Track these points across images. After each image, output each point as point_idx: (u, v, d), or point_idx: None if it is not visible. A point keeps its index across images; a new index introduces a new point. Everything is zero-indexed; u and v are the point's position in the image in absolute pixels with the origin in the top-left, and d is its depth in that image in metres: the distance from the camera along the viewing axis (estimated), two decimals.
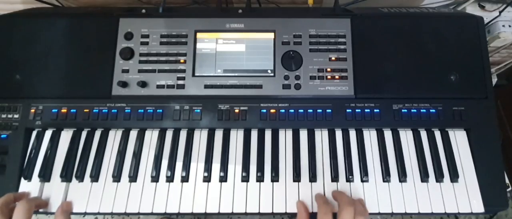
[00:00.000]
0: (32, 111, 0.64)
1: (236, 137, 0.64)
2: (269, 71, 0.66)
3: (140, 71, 0.66)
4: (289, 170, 0.62)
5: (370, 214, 0.58)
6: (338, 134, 0.65)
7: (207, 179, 0.61)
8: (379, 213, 0.59)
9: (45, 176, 0.61)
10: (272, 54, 0.67)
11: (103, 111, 0.64)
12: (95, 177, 0.61)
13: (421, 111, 0.64)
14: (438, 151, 0.63)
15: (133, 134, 0.65)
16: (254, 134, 0.64)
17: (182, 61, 0.67)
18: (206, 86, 0.66)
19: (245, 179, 0.61)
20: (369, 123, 0.64)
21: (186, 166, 0.62)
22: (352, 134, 0.65)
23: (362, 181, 0.61)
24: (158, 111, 0.64)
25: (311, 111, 0.64)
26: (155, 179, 0.61)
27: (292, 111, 0.64)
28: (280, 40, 0.67)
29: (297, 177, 0.61)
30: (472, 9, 0.80)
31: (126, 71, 0.66)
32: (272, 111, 0.65)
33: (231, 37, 0.68)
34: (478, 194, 0.60)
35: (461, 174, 0.61)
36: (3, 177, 0.61)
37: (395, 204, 0.59)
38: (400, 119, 0.64)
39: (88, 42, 0.67)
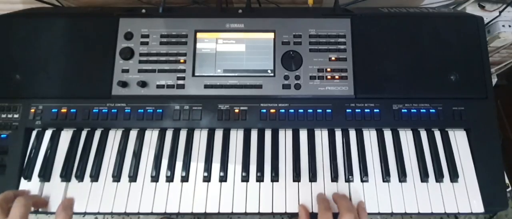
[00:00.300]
0: (32, 110, 0.64)
1: (236, 137, 0.64)
2: (269, 71, 0.66)
3: (140, 71, 0.66)
4: (289, 170, 0.62)
5: (370, 214, 0.58)
6: (338, 134, 0.65)
7: (207, 179, 0.61)
8: (379, 213, 0.59)
9: (45, 176, 0.61)
10: (272, 54, 0.67)
11: (103, 110, 0.64)
12: (95, 177, 0.61)
13: (421, 111, 0.64)
14: (438, 151, 0.63)
15: (133, 134, 0.65)
16: (254, 134, 0.64)
17: (182, 61, 0.67)
18: (206, 86, 0.66)
19: (245, 179, 0.61)
20: (369, 123, 0.64)
21: (186, 166, 0.62)
22: (352, 134, 0.65)
23: (362, 181, 0.61)
24: (158, 110, 0.64)
25: (311, 111, 0.64)
26: (155, 179, 0.61)
27: (292, 110, 0.64)
28: (280, 40, 0.67)
29: (297, 177, 0.61)
30: (472, 9, 0.80)
31: (126, 71, 0.66)
32: (272, 110, 0.65)
33: (231, 37, 0.68)
34: (478, 194, 0.60)
35: (461, 174, 0.61)
36: (3, 177, 0.61)
37: (395, 204, 0.59)
38: (400, 119, 0.64)
39: (88, 42, 0.67)
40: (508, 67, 1.03)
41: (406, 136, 0.65)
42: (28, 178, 0.61)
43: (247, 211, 0.59)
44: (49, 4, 0.79)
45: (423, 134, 0.65)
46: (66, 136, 0.65)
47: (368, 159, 0.62)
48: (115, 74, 0.66)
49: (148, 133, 0.65)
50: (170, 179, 0.61)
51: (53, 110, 0.64)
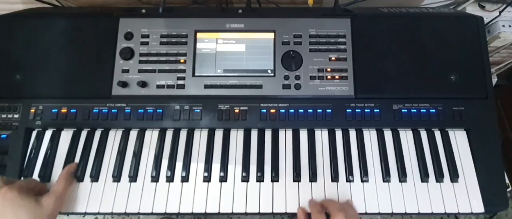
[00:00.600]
0: (32, 110, 0.64)
1: (236, 137, 0.64)
2: (269, 71, 0.66)
3: (140, 71, 0.66)
4: (289, 170, 0.62)
5: (370, 214, 0.58)
6: (338, 134, 0.65)
7: (207, 179, 0.61)
8: (379, 213, 0.59)
9: (45, 176, 0.61)
10: (272, 54, 0.67)
11: (103, 110, 0.64)
12: (95, 177, 0.61)
13: (421, 111, 0.64)
14: (438, 151, 0.63)
15: (133, 134, 0.65)
16: (254, 134, 0.64)
17: (182, 61, 0.67)
18: (206, 86, 0.66)
19: (245, 179, 0.61)
20: (369, 123, 0.64)
21: (186, 166, 0.62)
22: (352, 134, 0.65)
23: (362, 181, 0.61)
24: (158, 110, 0.64)
25: (311, 110, 0.64)
26: (155, 179, 0.61)
27: (292, 110, 0.64)
28: (280, 40, 0.67)
29: (297, 177, 0.61)
30: (472, 9, 0.80)
31: (126, 71, 0.66)
32: (272, 110, 0.65)
33: (231, 37, 0.68)
34: (478, 194, 0.60)
35: (461, 174, 0.61)
36: None
37: (395, 204, 0.59)
38: (400, 119, 0.64)
39: (88, 42, 0.67)
40: (508, 67, 1.03)
41: (406, 136, 0.65)
42: (28, 177, 0.61)
43: (247, 211, 0.59)
44: (49, 4, 0.79)
45: (423, 134, 0.65)
46: (66, 136, 0.65)
47: (368, 159, 0.62)
48: (115, 74, 0.66)
49: (148, 133, 0.65)
50: (170, 179, 0.61)
51: (53, 110, 0.64)
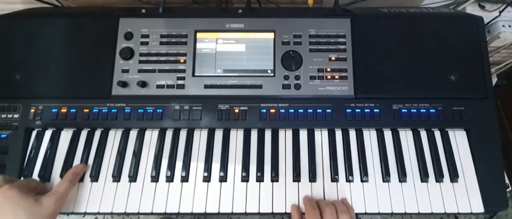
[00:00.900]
0: (32, 110, 0.64)
1: (236, 137, 0.64)
2: (269, 71, 0.66)
3: (140, 71, 0.66)
4: (289, 170, 0.62)
5: (370, 214, 0.58)
6: (338, 134, 0.65)
7: (207, 179, 0.61)
8: (379, 213, 0.59)
9: (45, 176, 0.61)
10: (272, 54, 0.67)
11: (103, 110, 0.64)
12: (95, 177, 0.61)
13: (421, 111, 0.64)
14: (438, 151, 0.63)
15: (133, 134, 0.65)
16: (254, 134, 0.64)
17: (182, 61, 0.67)
18: (206, 86, 0.66)
19: (245, 179, 0.61)
20: (369, 123, 0.64)
21: (186, 166, 0.62)
22: (352, 134, 0.65)
23: (362, 181, 0.61)
24: (158, 110, 0.64)
25: (311, 111, 0.64)
26: (155, 179, 0.61)
27: (292, 110, 0.64)
28: (280, 40, 0.67)
29: (297, 177, 0.61)
30: (472, 9, 0.80)
31: (126, 71, 0.66)
32: (272, 110, 0.65)
33: (231, 37, 0.68)
34: (478, 194, 0.60)
35: (461, 174, 0.61)
36: None
37: (395, 204, 0.59)
38: (400, 119, 0.64)
39: (88, 42, 0.67)
40: (508, 67, 1.03)
41: (406, 136, 0.65)
42: (28, 177, 0.61)
43: (247, 211, 0.59)
44: (49, 4, 0.79)
45: (423, 134, 0.65)
46: (66, 136, 0.65)
47: (368, 159, 0.62)
48: (115, 74, 0.66)
49: (148, 133, 0.65)
50: (170, 179, 0.61)
51: (53, 110, 0.64)
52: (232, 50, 0.67)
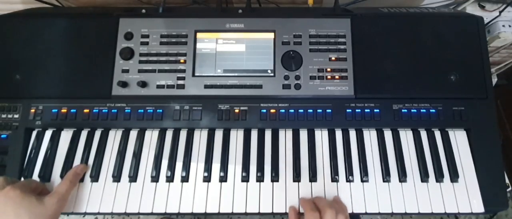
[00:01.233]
0: (32, 110, 0.64)
1: (236, 137, 0.64)
2: (269, 71, 0.66)
3: (140, 71, 0.66)
4: (289, 170, 0.62)
5: (370, 214, 0.58)
6: (338, 134, 0.65)
7: (207, 179, 0.61)
8: (379, 213, 0.59)
9: (45, 176, 0.61)
10: (272, 54, 0.67)
11: (103, 110, 0.64)
12: (95, 177, 0.61)
13: (421, 111, 0.64)
14: (438, 151, 0.63)
15: (133, 134, 0.65)
16: (254, 134, 0.64)
17: (182, 61, 0.67)
18: (206, 86, 0.66)
19: (245, 179, 0.61)
20: (369, 123, 0.64)
21: (186, 166, 0.62)
22: (352, 134, 0.65)
23: (362, 181, 0.61)
24: (158, 111, 0.64)
25: (311, 110, 0.64)
26: (155, 179, 0.61)
27: (292, 110, 0.64)
28: (280, 40, 0.67)
29: (297, 177, 0.61)
30: (472, 9, 0.80)
31: (126, 71, 0.66)
32: (272, 110, 0.65)
33: (231, 37, 0.68)
34: (478, 194, 0.60)
35: (461, 174, 0.61)
36: None
37: (395, 204, 0.59)
38: (400, 119, 0.64)
39: (88, 42, 0.67)
40: (508, 67, 1.03)
41: (406, 136, 0.65)
42: (28, 178, 0.61)
43: (247, 211, 0.59)
44: (49, 4, 0.79)
45: (423, 134, 0.65)
46: (66, 136, 0.65)
47: (368, 159, 0.62)
48: (115, 75, 0.66)
49: (148, 133, 0.65)
50: (170, 179, 0.61)
51: (53, 110, 0.64)
52: (232, 50, 0.67)
